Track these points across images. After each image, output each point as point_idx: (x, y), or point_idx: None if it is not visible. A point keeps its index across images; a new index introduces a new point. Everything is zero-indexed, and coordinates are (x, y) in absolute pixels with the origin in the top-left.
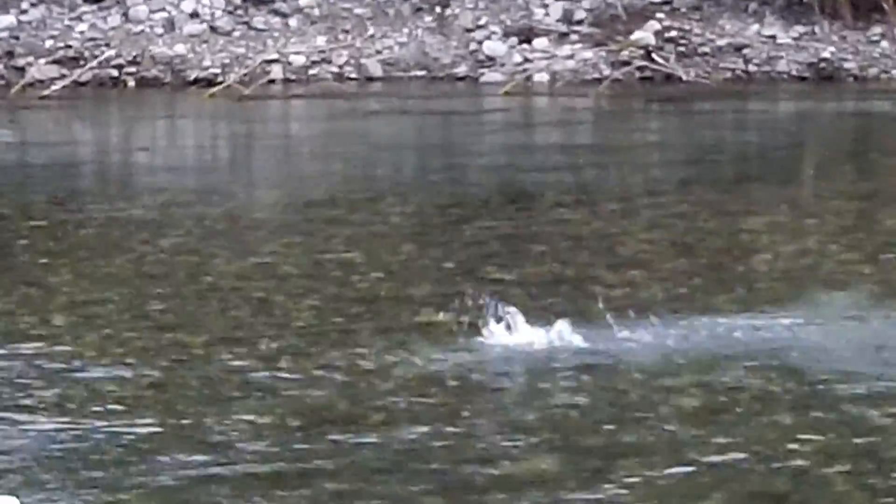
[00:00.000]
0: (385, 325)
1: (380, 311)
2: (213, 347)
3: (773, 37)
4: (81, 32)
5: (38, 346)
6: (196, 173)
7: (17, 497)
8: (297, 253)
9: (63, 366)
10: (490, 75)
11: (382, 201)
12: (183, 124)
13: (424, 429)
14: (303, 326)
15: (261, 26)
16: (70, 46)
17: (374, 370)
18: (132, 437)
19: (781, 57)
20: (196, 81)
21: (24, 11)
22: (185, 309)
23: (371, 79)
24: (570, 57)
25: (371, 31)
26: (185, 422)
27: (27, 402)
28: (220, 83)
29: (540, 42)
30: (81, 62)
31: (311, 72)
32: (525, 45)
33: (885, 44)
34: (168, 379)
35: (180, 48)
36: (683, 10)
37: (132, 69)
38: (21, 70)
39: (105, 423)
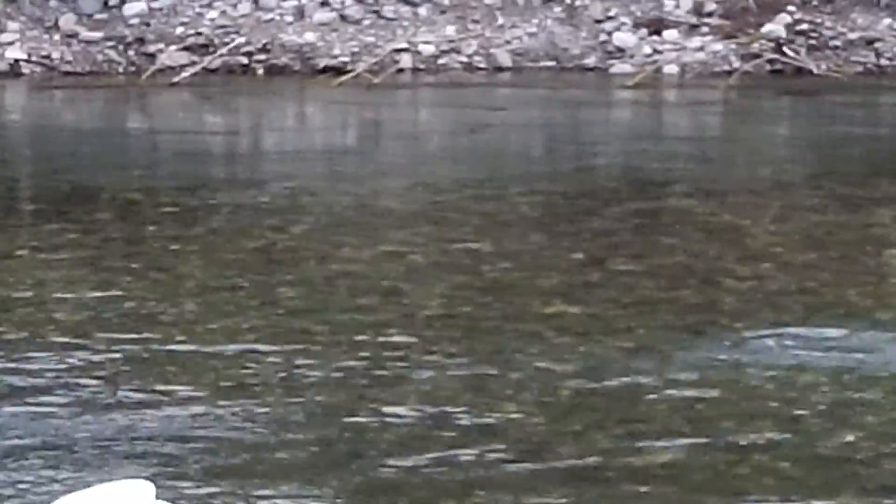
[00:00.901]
0: (513, 315)
1: (508, 300)
2: (340, 335)
3: None
4: (212, 20)
5: (169, 331)
6: (325, 161)
7: (154, 482)
8: (425, 241)
9: (194, 350)
10: (619, 66)
11: (511, 190)
12: (312, 112)
13: (552, 422)
14: (430, 315)
15: (391, 15)
16: (200, 34)
17: (502, 360)
18: (264, 421)
19: None
20: (325, 70)
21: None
22: (313, 296)
23: (500, 69)
24: (700, 49)
25: (501, 21)
26: (314, 408)
27: (160, 387)
28: (350, 72)
29: (670, 34)
30: (211, 49)
31: (440, 61)
32: (655, 37)
33: None
34: (296, 365)
35: (310, 36)
36: (815, 3)
37: (262, 57)
38: (152, 56)
39: (238, 408)
